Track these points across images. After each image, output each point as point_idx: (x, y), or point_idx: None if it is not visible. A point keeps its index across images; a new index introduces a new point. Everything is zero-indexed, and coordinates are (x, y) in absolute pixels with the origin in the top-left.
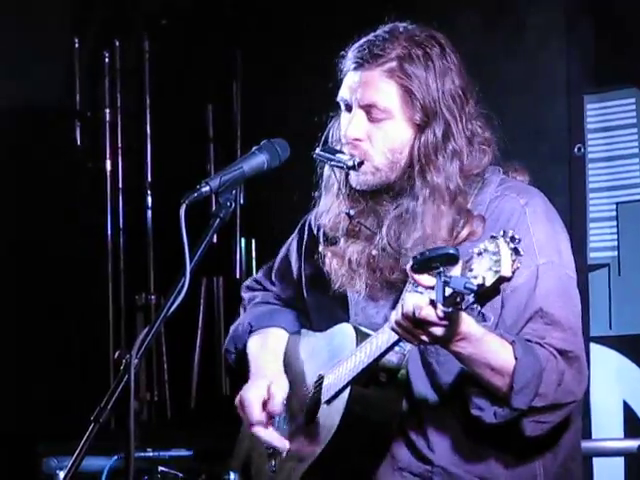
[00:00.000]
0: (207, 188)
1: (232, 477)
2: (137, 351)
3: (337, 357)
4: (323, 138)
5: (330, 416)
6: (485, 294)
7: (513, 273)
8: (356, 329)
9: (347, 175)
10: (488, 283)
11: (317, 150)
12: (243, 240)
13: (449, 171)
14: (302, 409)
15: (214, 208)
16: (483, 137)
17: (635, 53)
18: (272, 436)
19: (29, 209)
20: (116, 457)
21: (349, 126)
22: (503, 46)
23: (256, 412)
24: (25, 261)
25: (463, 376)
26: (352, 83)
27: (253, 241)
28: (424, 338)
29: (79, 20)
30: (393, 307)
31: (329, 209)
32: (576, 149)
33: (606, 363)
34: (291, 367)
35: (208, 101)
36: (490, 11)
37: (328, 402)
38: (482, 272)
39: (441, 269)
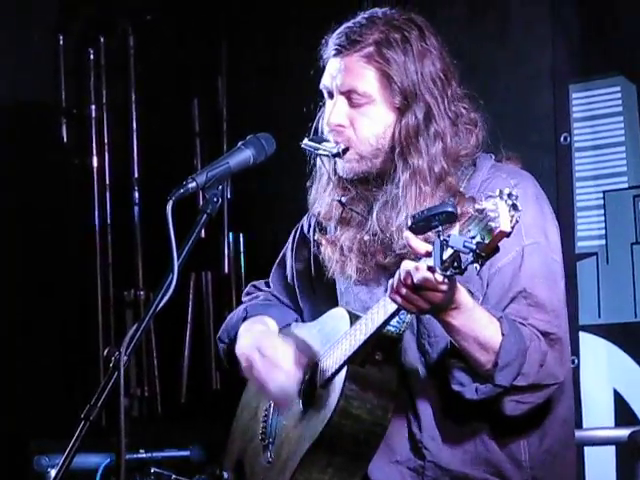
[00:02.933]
0: (194, 184)
1: (225, 476)
2: (126, 348)
3: (330, 341)
4: (313, 128)
5: (326, 399)
6: (484, 252)
7: (512, 228)
8: (349, 312)
9: (335, 163)
10: (487, 240)
11: (305, 140)
12: (231, 235)
13: (432, 153)
14: (297, 396)
15: (201, 203)
16: (468, 118)
17: (620, 41)
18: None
19: (15, 207)
20: (109, 459)
21: (331, 113)
22: (489, 35)
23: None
24: (12, 258)
25: (448, 352)
26: (332, 70)
27: (241, 236)
28: (422, 305)
29: (63, 17)
30: (386, 290)
31: (321, 198)
32: (562, 138)
33: (596, 352)
34: None
35: (194, 95)
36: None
37: (323, 385)
38: (480, 231)
39: (440, 228)
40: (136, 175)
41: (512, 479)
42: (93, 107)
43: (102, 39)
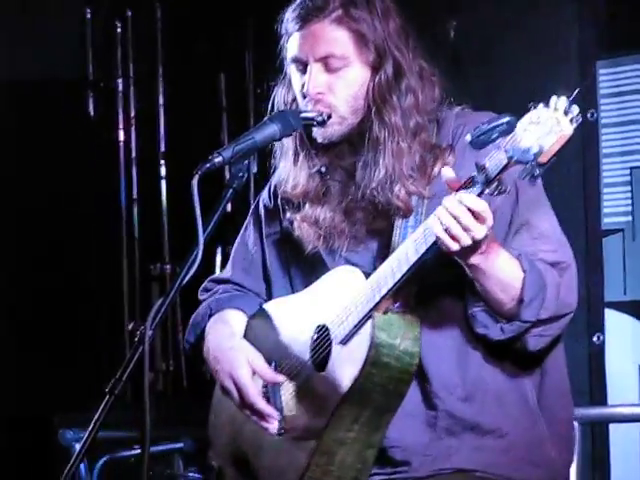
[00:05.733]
0: (220, 159)
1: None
2: (151, 322)
3: (338, 299)
4: (269, 108)
5: (351, 352)
6: (543, 160)
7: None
8: (359, 269)
9: (305, 135)
10: (547, 146)
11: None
12: None
13: (404, 108)
14: (300, 367)
15: (227, 178)
16: (429, 71)
17: None
18: (269, 409)
19: (43, 181)
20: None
21: (309, 82)
22: (516, 13)
23: (253, 389)
24: (40, 234)
25: (467, 296)
26: (302, 40)
27: None
28: (464, 239)
29: None
30: (378, 253)
31: (290, 175)
32: (589, 114)
33: (621, 328)
34: (267, 337)
35: (220, 70)
36: None
37: (344, 342)
38: (538, 139)
39: (499, 140)
40: (162, 149)
41: (523, 421)
42: (120, 81)
43: (130, 13)
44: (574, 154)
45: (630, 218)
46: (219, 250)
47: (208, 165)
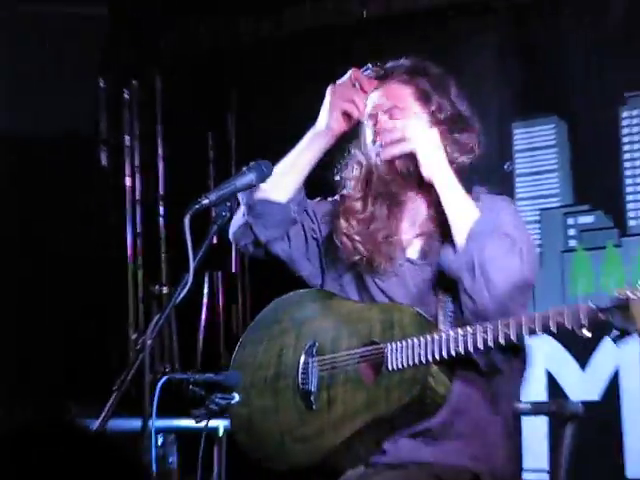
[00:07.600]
0: (206, 201)
1: (237, 398)
2: (151, 333)
3: (397, 332)
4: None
5: (401, 383)
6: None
7: None
8: (421, 314)
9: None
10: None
11: None
12: None
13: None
14: (345, 366)
15: (213, 216)
16: (467, 144)
17: (553, 87)
18: None
19: (64, 219)
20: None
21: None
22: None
23: None
24: (61, 261)
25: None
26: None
27: None
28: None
29: (104, 64)
30: (404, 285)
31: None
32: (506, 166)
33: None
34: (319, 317)
35: (208, 130)
36: (431, 58)
37: (398, 370)
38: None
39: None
40: (161, 193)
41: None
42: (127, 137)
43: (135, 82)
44: None
45: (538, 250)
46: (207, 275)
47: (197, 206)
